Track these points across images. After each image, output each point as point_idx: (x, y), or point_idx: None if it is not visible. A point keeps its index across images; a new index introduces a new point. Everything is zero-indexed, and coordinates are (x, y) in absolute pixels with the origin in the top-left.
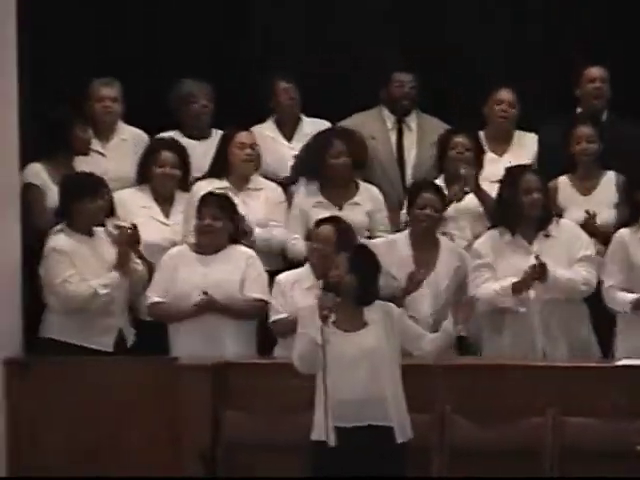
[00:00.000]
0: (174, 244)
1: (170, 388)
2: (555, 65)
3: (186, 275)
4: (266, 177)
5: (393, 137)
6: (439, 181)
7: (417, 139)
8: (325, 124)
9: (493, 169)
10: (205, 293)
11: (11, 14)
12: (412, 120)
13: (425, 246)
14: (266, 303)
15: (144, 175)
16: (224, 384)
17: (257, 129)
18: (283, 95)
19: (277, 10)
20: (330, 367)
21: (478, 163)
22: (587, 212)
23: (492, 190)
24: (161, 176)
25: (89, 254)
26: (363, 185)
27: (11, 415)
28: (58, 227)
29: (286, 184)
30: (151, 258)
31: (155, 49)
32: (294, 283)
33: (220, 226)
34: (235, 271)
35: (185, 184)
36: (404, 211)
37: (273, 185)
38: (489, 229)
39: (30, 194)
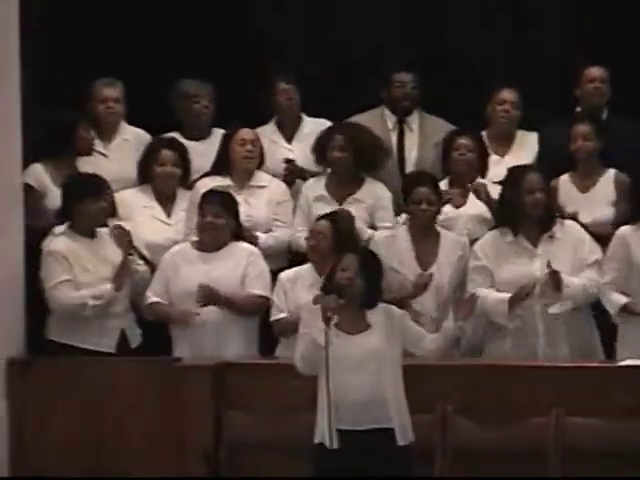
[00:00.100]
0: (176, 244)
1: (172, 389)
2: (556, 68)
3: (188, 273)
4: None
5: (394, 137)
6: (443, 183)
7: (418, 139)
8: (326, 124)
9: (495, 170)
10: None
11: (13, 18)
12: (413, 120)
13: (425, 239)
14: (268, 299)
15: (145, 174)
16: (226, 384)
17: (258, 131)
18: (282, 96)
19: (277, 14)
20: (333, 369)
21: (482, 165)
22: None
23: (494, 191)
24: (162, 175)
25: (90, 257)
26: (369, 181)
27: (13, 415)
28: (59, 229)
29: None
30: (153, 258)
31: (156, 53)
32: (296, 281)
33: (222, 223)
34: (236, 268)
35: (186, 182)
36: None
37: (277, 182)
38: (490, 230)
39: (25, 195)
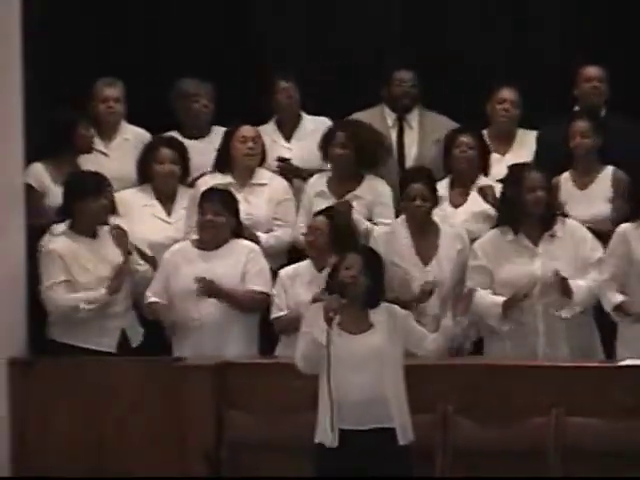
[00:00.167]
0: (177, 242)
1: (173, 388)
2: (556, 71)
3: (188, 271)
4: None
5: (394, 135)
6: (445, 181)
7: (418, 137)
8: (326, 122)
9: (497, 169)
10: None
11: (15, 20)
12: (413, 118)
13: (424, 234)
14: (268, 296)
15: (144, 173)
16: (227, 384)
17: None
18: (282, 94)
19: (278, 17)
20: (335, 368)
21: (483, 163)
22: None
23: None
24: (161, 173)
25: (90, 256)
26: (369, 178)
27: (15, 414)
28: (58, 229)
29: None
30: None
31: (156, 56)
32: (295, 277)
33: (222, 221)
34: (237, 265)
35: (185, 180)
36: None
37: (278, 180)
38: (491, 229)
39: (26, 195)
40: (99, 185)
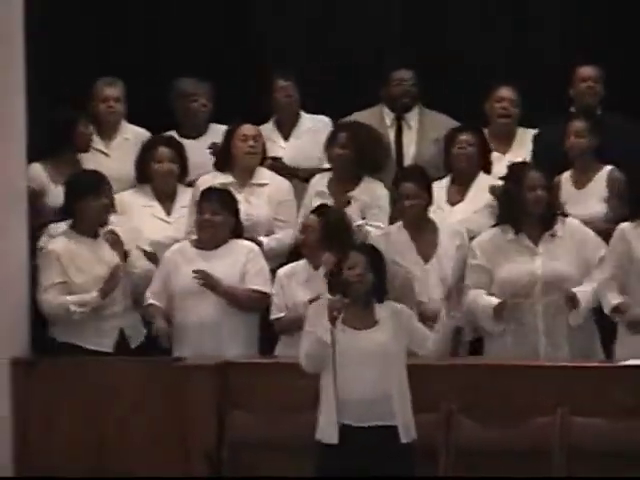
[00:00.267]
0: (176, 241)
1: (174, 388)
2: (556, 71)
3: (187, 271)
4: None
5: (392, 134)
6: (446, 180)
7: (417, 136)
8: (325, 120)
9: (497, 167)
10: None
11: (17, 20)
12: (412, 117)
13: (423, 231)
14: (267, 296)
15: (143, 173)
16: (228, 384)
17: None
18: (281, 93)
19: (278, 18)
20: (340, 366)
21: (484, 160)
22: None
23: None
24: (159, 172)
25: (90, 257)
26: (367, 180)
27: (18, 414)
28: (56, 229)
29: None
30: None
31: (156, 56)
32: (292, 276)
33: (220, 221)
34: (236, 265)
35: (184, 179)
36: None
37: (279, 180)
38: (491, 227)
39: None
40: (99, 184)
